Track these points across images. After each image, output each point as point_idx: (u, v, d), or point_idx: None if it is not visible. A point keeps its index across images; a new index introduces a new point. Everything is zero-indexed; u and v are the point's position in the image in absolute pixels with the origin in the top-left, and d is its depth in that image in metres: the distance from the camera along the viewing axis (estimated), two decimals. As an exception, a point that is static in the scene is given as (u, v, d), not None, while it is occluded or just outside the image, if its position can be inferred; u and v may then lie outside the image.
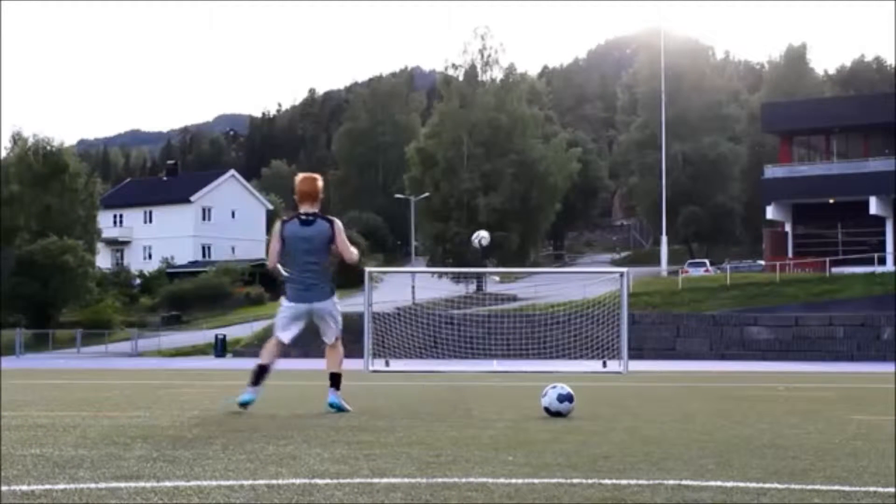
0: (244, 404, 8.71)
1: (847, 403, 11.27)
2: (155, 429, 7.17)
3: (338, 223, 9.02)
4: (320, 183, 9.16)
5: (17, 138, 73.94)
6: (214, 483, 4.44)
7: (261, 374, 8.93)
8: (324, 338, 9.14)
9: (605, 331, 30.18)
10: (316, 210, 8.96)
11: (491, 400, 11.49)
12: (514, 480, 4.55)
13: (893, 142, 63.56)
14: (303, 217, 8.88)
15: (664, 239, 69.10)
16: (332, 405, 8.91)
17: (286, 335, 9.02)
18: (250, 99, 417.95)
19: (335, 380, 9.03)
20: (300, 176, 9.28)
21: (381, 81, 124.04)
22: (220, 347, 51.26)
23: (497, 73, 73.70)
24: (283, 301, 9.08)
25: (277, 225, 9.13)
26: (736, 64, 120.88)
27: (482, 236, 20.37)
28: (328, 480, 4.52)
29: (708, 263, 71.00)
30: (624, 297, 27.21)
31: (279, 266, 9.06)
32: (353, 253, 9.02)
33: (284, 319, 9.01)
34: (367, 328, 27.37)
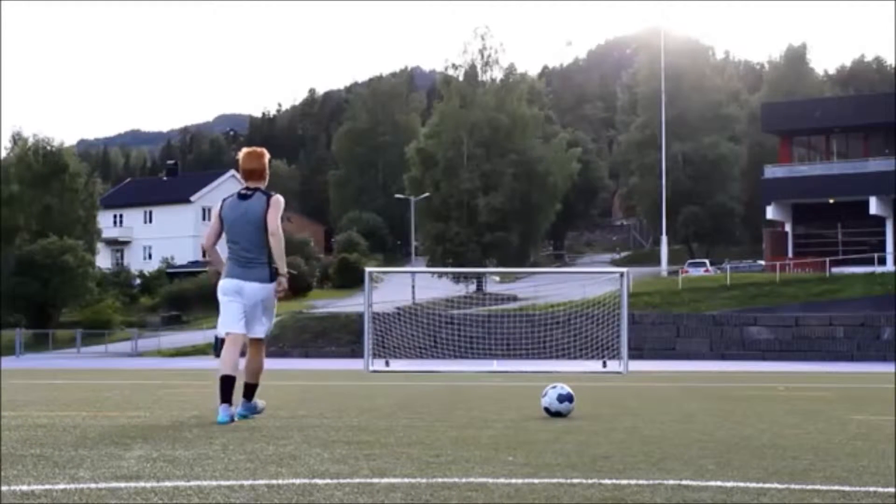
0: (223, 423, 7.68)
1: (847, 403, 11.27)
2: (155, 429, 7.17)
3: (276, 198, 8.12)
4: (266, 158, 8.32)
5: (17, 138, 73.97)
6: (214, 483, 4.44)
7: (228, 387, 7.86)
8: (249, 330, 8.06)
9: (605, 331, 30.20)
10: (260, 186, 8.16)
11: (491, 400, 11.49)
12: (514, 480, 4.55)
13: (893, 142, 63.56)
14: (241, 192, 8.18)
15: (664, 239, 69.09)
16: (241, 416, 8.02)
17: (227, 327, 8.06)
18: (250, 99, 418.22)
19: (249, 391, 8.16)
20: (243, 151, 8.38)
21: (381, 81, 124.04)
22: (220, 347, 51.12)
23: (497, 73, 73.74)
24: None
25: (217, 204, 8.31)
26: (736, 64, 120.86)
27: None
28: (328, 480, 4.52)
29: (708, 263, 71.04)
30: (624, 297, 27.22)
31: (217, 250, 8.26)
32: (276, 226, 7.98)
33: (224, 307, 8.03)
34: (367, 328, 27.37)
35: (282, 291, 8.13)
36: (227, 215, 8.10)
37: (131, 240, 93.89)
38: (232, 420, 7.74)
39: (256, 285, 7.99)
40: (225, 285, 8.03)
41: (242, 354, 8.18)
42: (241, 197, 8.12)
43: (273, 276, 8.07)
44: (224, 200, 8.23)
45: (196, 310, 70.84)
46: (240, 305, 8.00)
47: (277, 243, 8.02)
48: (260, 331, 8.13)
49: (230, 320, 8.03)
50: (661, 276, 63.16)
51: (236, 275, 7.99)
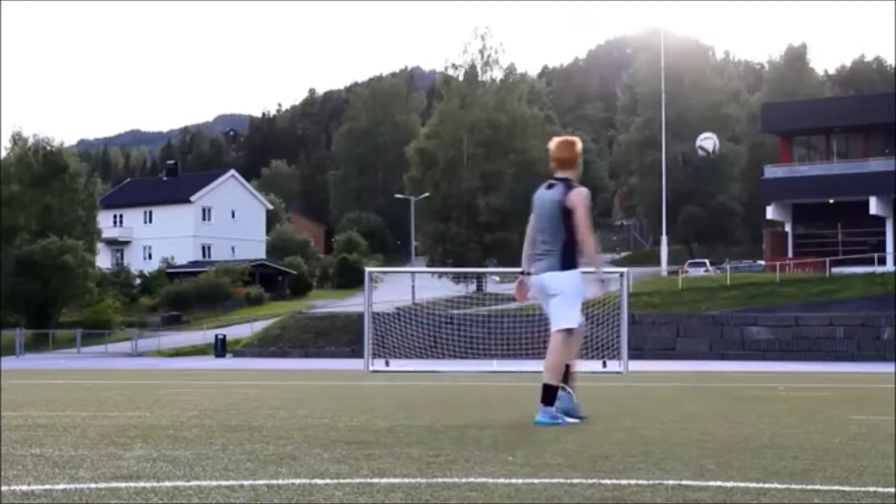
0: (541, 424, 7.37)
1: (847, 403, 11.27)
2: (155, 429, 7.16)
3: (579, 190, 7.67)
4: (578, 147, 7.93)
5: (17, 138, 73.94)
6: (214, 483, 4.44)
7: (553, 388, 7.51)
8: (552, 323, 7.65)
9: (605, 331, 30.18)
10: (569, 177, 7.78)
11: (491, 400, 11.49)
12: (514, 480, 4.55)
13: (893, 142, 63.54)
14: (549, 181, 7.86)
15: (664, 239, 69.08)
16: (538, 423, 7.43)
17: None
18: (250, 99, 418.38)
19: (545, 392, 7.48)
20: (555, 140, 8.02)
21: (381, 81, 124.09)
22: (220, 347, 51.25)
23: (497, 73, 73.78)
24: None
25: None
26: (736, 64, 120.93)
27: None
28: (328, 480, 4.52)
29: (708, 263, 71.02)
30: (624, 297, 27.20)
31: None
32: (587, 236, 7.56)
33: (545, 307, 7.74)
34: (367, 328, 27.35)
35: (600, 289, 7.97)
36: (534, 206, 7.93)
37: (131, 240, 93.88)
38: (554, 421, 7.43)
39: (552, 274, 7.64)
40: (532, 283, 7.88)
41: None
42: (548, 187, 7.87)
43: (569, 264, 7.62)
44: (537, 191, 8.03)
45: (196, 310, 70.87)
46: (545, 303, 7.74)
47: (588, 248, 7.66)
48: (557, 322, 7.63)
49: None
50: (661, 276, 63.14)
51: (537, 269, 7.79)
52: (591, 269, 7.81)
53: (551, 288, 7.62)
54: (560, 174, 7.81)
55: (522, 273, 7.95)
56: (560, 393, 7.56)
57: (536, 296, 7.84)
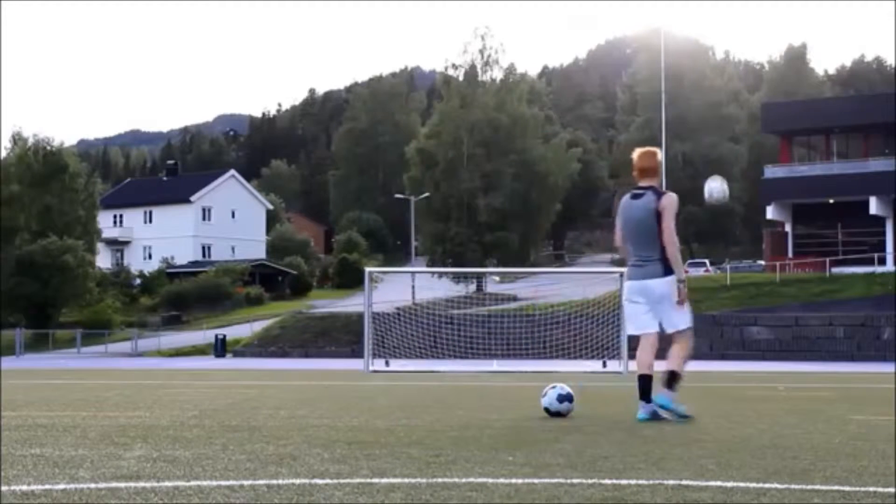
0: (642, 420, 7.94)
1: (847, 403, 11.27)
2: (155, 429, 7.17)
3: (670, 196, 8.13)
4: (658, 157, 8.41)
5: (17, 138, 73.94)
6: (214, 483, 4.44)
7: (645, 385, 8.09)
8: (667, 326, 8.24)
9: (605, 331, 30.18)
10: (653, 185, 8.26)
11: (491, 400, 11.49)
12: (514, 480, 4.55)
13: (893, 142, 63.54)
14: (634, 192, 8.30)
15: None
16: (658, 404, 8.01)
17: (635, 328, 8.34)
18: (250, 99, 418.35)
19: (670, 378, 8.15)
20: (638, 151, 8.46)
21: (381, 81, 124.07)
22: (220, 347, 51.27)
23: (497, 73, 73.77)
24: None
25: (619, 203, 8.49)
26: (736, 64, 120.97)
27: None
28: (328, 480, 4.52)
29: (708, 263, 70.99)
30: (624, 297, 27.17)
31: (628, 246, 8.38)
32: (671, 239, 8.05)
33: (628, 311, 8.40)
34: (367, 328, 27.36)
35: (682, 299, 8.24)
36: (621, 215, 8.33)
37: (131, 240, 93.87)
38: (654, 417, 7.94)
39: (656, 281, 8.14)
40: (630, 288, 8.33)
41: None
42: (634, 196, 8.26)
43: (670, 269, 8.14)
44: (622, 200, 8.41)
45: (196, 310, 70.87)
46: (644, 306, 8.23)
47: (671, 247, 8.11)
48: (676, 324, 8.26)
49: (638, 322, 8.34)
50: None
51: (636, 276, 8.25)
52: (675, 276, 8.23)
53: (659, 293, 8.17)
54: (644, 183, 8.26)
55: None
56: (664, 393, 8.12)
57: (634, 299, 8.28)
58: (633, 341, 8.56)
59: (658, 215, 8.04)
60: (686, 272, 8.83)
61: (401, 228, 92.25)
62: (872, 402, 11.67)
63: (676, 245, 8.16)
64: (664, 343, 8.37)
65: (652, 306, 8.21)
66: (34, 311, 63.55)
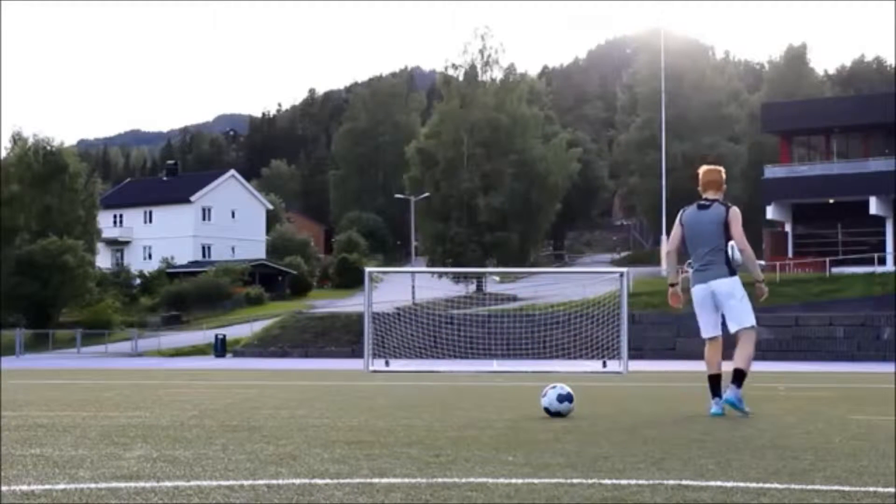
0: (715, 415, 8.65)
1: (847, 403, 11.27)
2: (155, 429, 7.17)
3: (735, 209, 9.02)
4: (723, 173, 9.28)
5: (17, 138, 73.89)
6: (214, 483, 4.44)
7: (715, 384, 8.88)
8: (733, 324, 8.87)
9: (605, 331, 30.19)
10: (718, 198, 9.07)
11: (491, 400, 11.49)
12: (514, 480, 4.55)
13: (893, 142, 63.54)
14: (700, 203, 9.07)
15: (664, 239, 69.04)
16: (728, 402, 8.63)
17: (705, 330, 9.00)
18: (250, 99, 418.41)
19: (738, 376, 8.69)
20: (704, 168, 9.33)
21: (381, 81, 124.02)
22: (220, 347, 51.26)
23: (497, 73, 73.72)
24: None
25: (679, 214, 9.23)
26: (736, 64, 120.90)
27: None
28: (328, 480, 4.52)
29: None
30: (624, 297, 27.20)
31: (672, 254, 9.27)
32: (742, 238, 8.90)
33: (699, 313, 9.00)
34: (367, 328, 27.36)
35: (762, 294, 8.93)
36: (687, 224, 9.07)
37: (131, 240, 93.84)
38: (723, 412, 8.63)
39: (721, 281, 8.85)
40: (696, 292, 9.01)
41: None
42: (701, 207, 9.05)
43: (734, 270, 8.92)
44: (683, 211, 9.17)
45: (196, 310, 70.85)
46: (710, 309, 8.93)
47: (748, 254, 8.95)
48: (741, 321, 8.82)
49: (706, 325, 9.03)
50: (661, 276, 63.12)
51: (702, 279, 8.95)
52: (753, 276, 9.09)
53: (724, 293, 8.86)
54: (710, 196, 9.08)
55: (672, 285, 9.24)
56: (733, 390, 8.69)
57: (705, 303, 8.93)
58: (699, 344, 9.23)
59: (726, 225, 8.85)
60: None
61: (401, 228, 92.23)
62: (872, 402, 11.67)
63: (750, 248, 8.97)
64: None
65: (719, 305, 8.88)
66: (34, 311, 63.55)
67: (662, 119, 71.68)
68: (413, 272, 59.97)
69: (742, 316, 8.84)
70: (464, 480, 4.52)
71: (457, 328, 36.85)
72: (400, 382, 17.29)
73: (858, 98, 77.37)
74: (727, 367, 8.85)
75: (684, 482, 4.54)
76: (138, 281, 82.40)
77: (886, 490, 4.36)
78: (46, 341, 58.84)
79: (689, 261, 9.26)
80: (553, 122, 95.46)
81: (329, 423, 7.68)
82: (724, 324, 9.01)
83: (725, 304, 8.85)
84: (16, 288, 62.67)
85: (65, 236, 65.25)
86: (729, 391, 8.64)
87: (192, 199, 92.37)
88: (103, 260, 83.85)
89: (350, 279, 75.38)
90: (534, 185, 70.68)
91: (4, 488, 4.21)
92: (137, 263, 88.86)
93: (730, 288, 8.83)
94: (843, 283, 51.85)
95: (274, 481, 4.48)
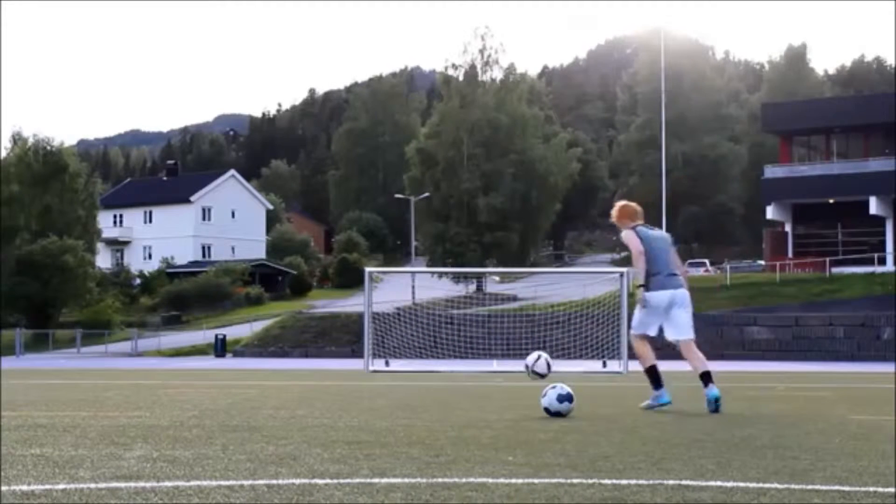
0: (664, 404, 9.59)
1: (847, 403, 11.27)
2: (155, 429, 7.17)
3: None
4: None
5: (17, 138, 73.91)
6: (214, 483, 4.44)
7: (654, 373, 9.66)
8: (678, 332, 9.58)
9: (605, 331, 30.18)
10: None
11: (491, 400, 11.49)
12: (514, 480, 4.55)
13: (893, 142, 63.51)
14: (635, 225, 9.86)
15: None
16: (717, 397, 9.30)
17: (648, 329, 9.62)
18: (250, 99, 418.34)
19: (710, 376, 9.43)
20: (622, 203, 10.22)
21: (381, 81, 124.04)
22: (220, 347, 51.27)
23: (497, 73, 73.75)
24: (644, 296, 9.55)
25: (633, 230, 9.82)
26: (736, 64, 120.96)
27: None
28: (328, 480, 4.52)
29: (708, 263, 70.95)
30: (624, 297, 27.19)
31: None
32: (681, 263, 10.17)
33: (643, 314, 9.60)
34: (367, 328, 27.36)
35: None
36: (646, 240, 9.72)
37: (131, 240, 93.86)
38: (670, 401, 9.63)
39: (685, 292, 9.85)
40: (661, 297, 9.70)
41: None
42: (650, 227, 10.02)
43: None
44: (639, 230, 9.86)
45: (196, 310, 70.86)
46: (644, 313, 9.67)
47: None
48: (691, 333, 9.72)
49: (653, 325, 9.69)
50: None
51: (677, 284, 9.80)
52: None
53: (686, 303, 9.71)
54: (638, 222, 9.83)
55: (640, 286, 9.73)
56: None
57: (658, 304, 9.56)
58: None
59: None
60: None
61: (401, 228, 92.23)
62: (872, 402, 11.67)
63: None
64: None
65: (675, 311, 9.66)
66: (34, 311, 63.55)
67: (662, 119, 71.69)
68: (413, 272, 59.97)
69: (690, 326, 9.76)
70: (464, 480, 4.52)
71: (457, 328, 36.83)
72: (400, 382, 17.29)
73: (858, 98, 77.34)
74: (685, 369, 9.76)
75: (684, 482, 4.54)
76: (138, 281, 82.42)
77: (886, 490, 4.36)
78: (46, 341, 58.84)
79: (690, 259, 9.68)
80: (553, 122, 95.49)
81: (329, 423, 7.68)
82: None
83: (683, 311, 9.71)
84: (16, 288, 62.66)
85: (65, 236, 65.25)
86: (713, 389, 9.35)
87: (192, 199, 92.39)
88: (103, 260, 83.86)
89: (350, 279, 75.37)
90: (534, 185, 70.69)
91: (4, 488, 4.21)
92: (137, 263, 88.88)
93: (688, 300, 9.76)
94: (843, 283, 51.82)
95: (274, 481, 4.48)
